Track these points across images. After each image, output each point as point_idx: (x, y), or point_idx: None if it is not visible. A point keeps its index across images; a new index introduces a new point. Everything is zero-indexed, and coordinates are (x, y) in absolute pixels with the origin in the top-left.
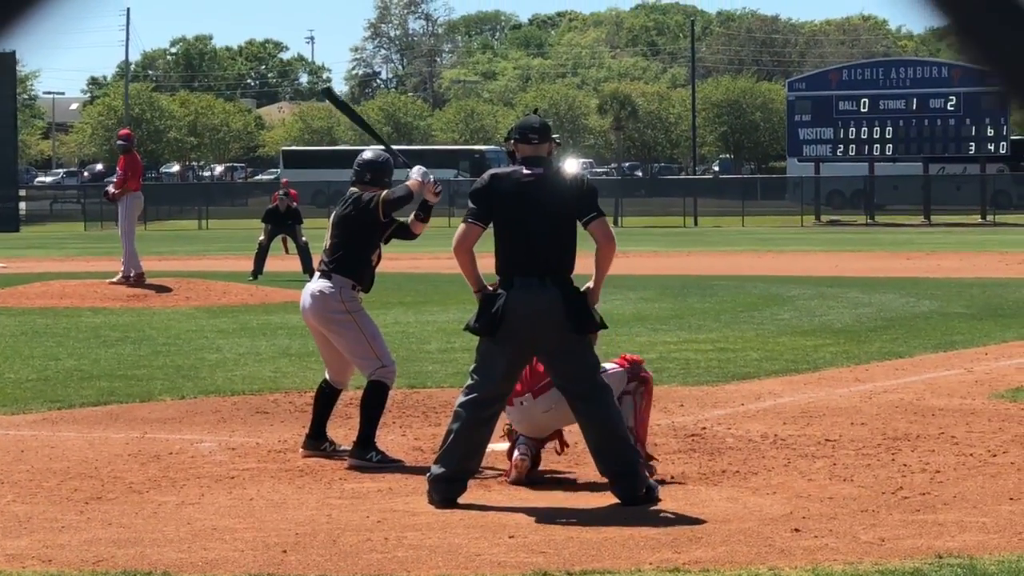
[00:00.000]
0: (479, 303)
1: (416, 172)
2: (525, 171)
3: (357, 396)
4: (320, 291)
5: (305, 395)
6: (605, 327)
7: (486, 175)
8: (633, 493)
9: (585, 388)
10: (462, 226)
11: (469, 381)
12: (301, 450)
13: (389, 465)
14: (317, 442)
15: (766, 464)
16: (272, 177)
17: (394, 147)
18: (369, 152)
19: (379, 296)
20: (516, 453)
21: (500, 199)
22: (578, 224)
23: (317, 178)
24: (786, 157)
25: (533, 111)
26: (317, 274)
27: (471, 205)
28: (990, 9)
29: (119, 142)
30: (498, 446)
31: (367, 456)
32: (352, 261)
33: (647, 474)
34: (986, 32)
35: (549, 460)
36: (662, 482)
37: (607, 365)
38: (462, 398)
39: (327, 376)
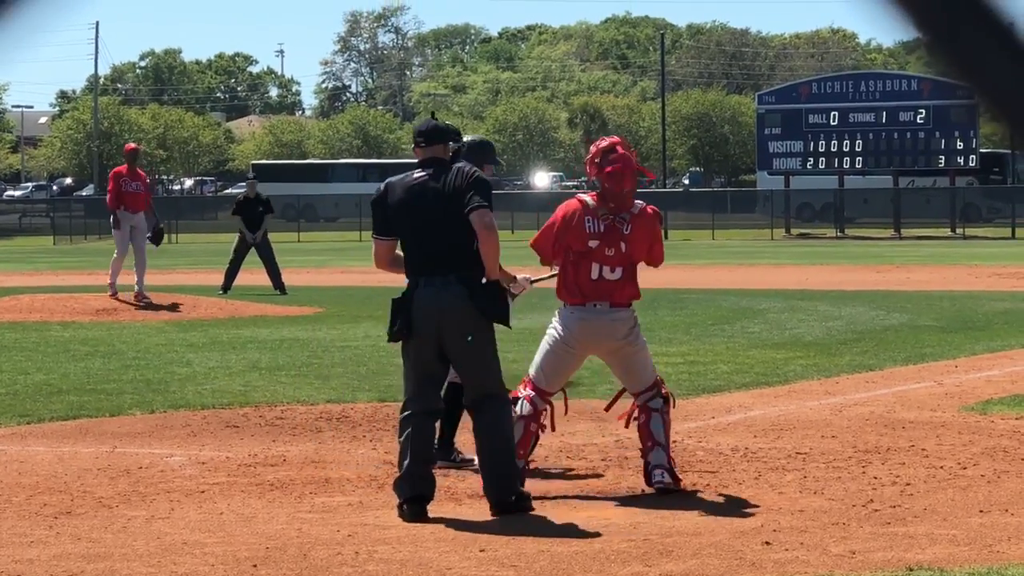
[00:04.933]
0: (390, 310)
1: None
2: (415, 174)
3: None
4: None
5: (275, 408)
6: (506, 324)
7: (381, 185)
8: (506, 499)
9: (480, 395)
10: (373, 243)
11: (404, 387)
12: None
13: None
14: (446, 453)
15: (736, 477)
16: (242, 191)
17: (364, 161)
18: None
19: (349, 309)
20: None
21: (393, 207)
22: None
23: (287, 192)
24: (756, 170)
25: (431, 114)
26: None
27: (373, 219)
28: (962, 20)
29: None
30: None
31: (451, 457)
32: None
33: (522, 491)
34: (959, 43)
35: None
36: (669, 484)
37: None
38: (402, 408)
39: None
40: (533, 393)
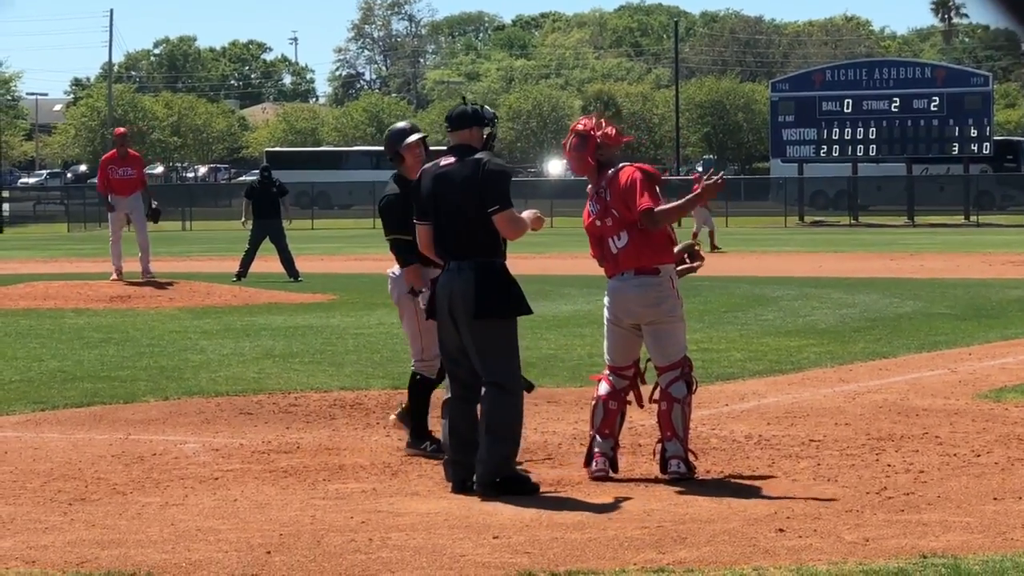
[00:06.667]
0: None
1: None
2: (442, 163)
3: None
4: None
5: (289, 396)
6: (523, 313)
7: (419, 172)
8: (486, 481)
9: (486, 382)
10: (416, 227)
11: None
12: (406, 449)
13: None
14: (419, 441)
15: (750, 464)
16: (256, 178)
17: (378, 148)
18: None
19: (363, 297)
20: (595, 463)
21: (424, 194)
22: None
23: (301, 179)
24: (769, 158)
25: (461, 99)
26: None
27: (415, 204)
28: None
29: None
30: None
31: (421, 446)
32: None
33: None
34: None
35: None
36: (684, 475)
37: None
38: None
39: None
40: (608, 372)
